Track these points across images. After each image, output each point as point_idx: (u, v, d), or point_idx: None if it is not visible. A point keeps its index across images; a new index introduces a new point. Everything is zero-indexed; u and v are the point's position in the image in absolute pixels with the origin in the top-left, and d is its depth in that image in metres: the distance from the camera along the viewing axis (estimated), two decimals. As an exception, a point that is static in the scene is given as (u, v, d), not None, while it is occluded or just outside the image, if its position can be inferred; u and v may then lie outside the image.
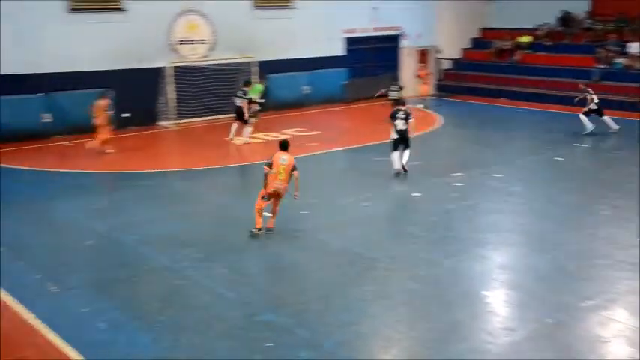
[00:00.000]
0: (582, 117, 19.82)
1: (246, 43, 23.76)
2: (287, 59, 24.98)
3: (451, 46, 30.29)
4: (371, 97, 27.37)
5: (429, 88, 26.80)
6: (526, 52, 28.66)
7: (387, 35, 28.51)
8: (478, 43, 31.11)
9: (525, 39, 28.90)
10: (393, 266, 10.10)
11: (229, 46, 23.46)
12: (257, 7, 24.33)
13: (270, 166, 11.22)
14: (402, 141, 15.52)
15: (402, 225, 12.08)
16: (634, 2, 25.95)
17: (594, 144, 18.55)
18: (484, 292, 9.19)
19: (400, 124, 15.50)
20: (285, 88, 24.78)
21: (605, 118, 19.85)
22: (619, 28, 26.54)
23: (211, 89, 22.83)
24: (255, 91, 22.02)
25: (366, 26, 27.70)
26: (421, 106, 25.47)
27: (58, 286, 9.40)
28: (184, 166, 17.17)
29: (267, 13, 24.59)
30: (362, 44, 27.73)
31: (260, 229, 11.31)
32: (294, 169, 11.25)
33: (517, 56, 28.69)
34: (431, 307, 8.74)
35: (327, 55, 26.40)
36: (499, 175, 15.33)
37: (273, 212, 11.52)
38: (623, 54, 25.33)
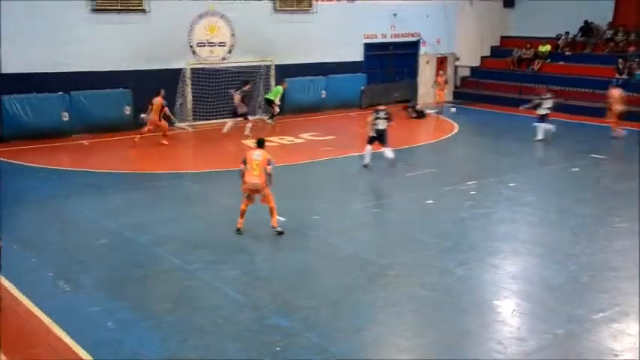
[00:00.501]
0: (537, 123, 20.28)
1: (264, 46, 23.82)
2: (305, 63, 24.99)
3: (470, 54, 30.19)
4: (387, 103, 27.38)
5: (444, 95, 26.59)
6: (546, 61, 28.50)
7: (406, 41, 28.47)
8: (497, 52, 30.99)
9: (545, 48, 28.75)
10: (403, 273, 10.07)
11: (248, 49, 23.53)
12: (277, 10, 24.38)
13: (245, 163, 11.45)
14: (379, 138, 16.63)
15: (413, 232, 12.03)
16: (657, 13, 25.77)
17: (611, 155, 18.38)
18: (495, 302, 9.14)
19: (381, 124, 16.57)
20: (302, 92, 24.82)
21: (544, 125, 20.24)
22: (640, 39, 26.36)
23: (228, 92, 22.87)
24: (276, 93, 22.21)
25: (385, 32, 27.70)
26: (433, 111, 25.43)
27: (69, 285, 9.46)
28: (199, 168, 17.24)
29: (287, 17, 24.63)
30: (380, 50, 27.71)
31: (239, 230, 11.50)
32: (269, 164, 11.36)
33: (536, 65, 28.54)
34: (441, 316, 8.70)
35: (346, 60, 26.40)
36: (513, 184, 15.25)
37: (270, 210, 11.55)
38: (645, 65, 25.13)
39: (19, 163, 16.97)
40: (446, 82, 26.90)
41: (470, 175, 16.00)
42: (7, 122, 19.55)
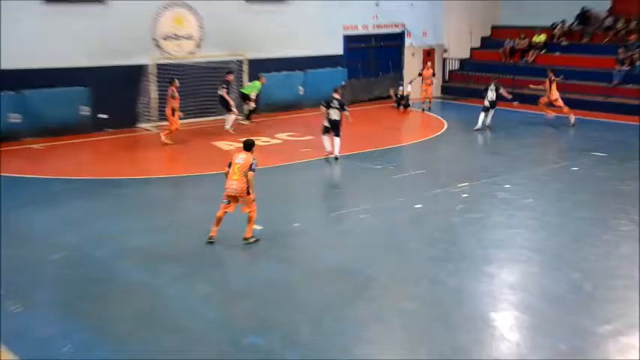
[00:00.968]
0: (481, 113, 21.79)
1: (236, 39, 23.71)
2: (281, 57, 24.97)
3: (459, 45, 30.37)
4: (370, 100, 27.49)
5: (432, 90, 26.61)
6: (541, 52, 28.70)
7: (390, 33, 28.58)
8: (488, 42, 31.19)
9: (540, 38, 28.95)
10: (391, 285, 10.00)
11: (218, 42, 23.41)
12: (249, 0, 24.30)
13: (230, 166, 11.47)
14: (333, 129, 17.48)
15: (401, 239, 11.98)
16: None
17: (613, 152, 18.49)
18: (491, 315, 9.10)
19: (333, 113, 17.27)
20: (278, 88, 24.75)
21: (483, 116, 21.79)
22: (642, 28, 26.63)
23: (197, 89, 22.75)
24: (253, 88, 22.16)
25: (366, 22, 27.74)
26: (423, 108, 25.52)
27: (21, 305, 9.26)
28: (166, 173, 17.11)
29: (261, 7, 24.58)
30: (362, 42, 27.78)
31: (211, 239, 11.41)
32: (250, 169, 11.32)
33: (531, 57, 28.73)
34: (432, 331, 8.63)
35: (325, 53, 26.44)
36: (509, 186, 15.27)
37: (248, 218, 11.48)
38: (646, 55, 25.38)
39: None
40: (433, 74, 26.81)
41: (461, 177, 16.00)
42: (-52, 126, 19.30)
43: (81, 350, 8.10)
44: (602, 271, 10.52)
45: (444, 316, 8.98)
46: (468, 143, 21.01)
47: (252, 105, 21.89)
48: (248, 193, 11.39)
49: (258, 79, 22.51)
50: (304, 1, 25.54)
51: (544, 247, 11.65)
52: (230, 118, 21.56)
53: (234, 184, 11.35)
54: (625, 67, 25.45)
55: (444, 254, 11.21)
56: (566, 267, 10.63)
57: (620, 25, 27.52)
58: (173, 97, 19.60)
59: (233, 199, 11.43)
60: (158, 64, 22.21)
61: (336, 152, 17.74)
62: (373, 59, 28.33)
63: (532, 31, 29.14)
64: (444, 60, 30.32)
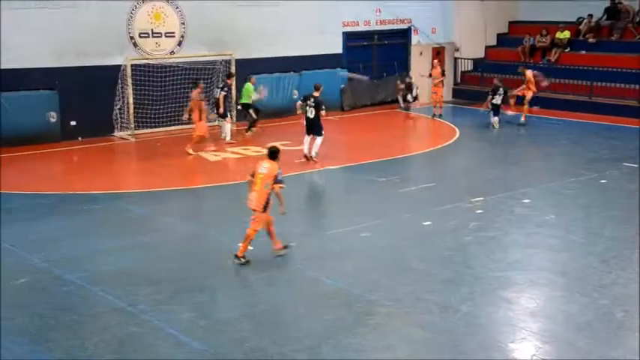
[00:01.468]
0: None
1: (223, 37, 23.86)
2: (273, 57, 25.11)
3: (472, 44, 30.51)
4: (373, 105, 27.60)
5: (442, 93, 26.63)
6: (564, 50, 28.86)
7: (395, 29, 28.73)
8: (505, 40, 31.36)
9: (564, 34, 29.11)
10: (397, 311, 10.06)
11: (202, 40, 23.56)
12: (236, -7, 24.50)
13: (253, 175, 11.63)
14: (312, 128, 18.58)
15: (408, 260, 12.04)
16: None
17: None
18: (510, 345, 9.15)
19: (309, 112, 18.44)
20: (269, 91, 24.82)
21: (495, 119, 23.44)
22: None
23: (179, 93, 22.86)
24: (247, 93, 22.24)
25: (368, 18, 27.90)
26: (434, 114, 25.59)
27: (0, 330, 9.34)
28: (143, 187, 17.15)
29: (250, 1, 24.69)
30: (364, 40, 27.93)
31: (240, 258, 11.54)
32: (276, 181, 11.42)
33: (553, 55, 28.89)
34: (444, 363, 8.71)
35: (322, 52, 26.56)
36: (528, 201, 15.38)
37: (269, 234, 11.76)
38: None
39: None
40: (443, 73, 26.69)
41: (475, 190, 16.09)
42: None
43: (50, 385, 8.17)
44: (634, 296, 10.55)
45: (456, 346, 9.04)
46: (483, 153, 21.12)
47: (253, 116, 22.05)
48: (264, 210, 11.50)
49: (246, 80, 22.63)
50: (298, -5, 25.73)
51: (568, 269, 11.72)
52: (227, 127, 21.66)
53: (253, 195, 11.56)
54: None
55: (456, 277, 11.27)
56: (593, 291, 10.69)
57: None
58: (199, 99, 20.05)
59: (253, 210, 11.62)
60: (134, 65, 22.31)
61: (313, 152, 18.66)
62: (376, 59, 28.48)
63: (554, 26, 29.30)
64: (456, 60, 30.48)
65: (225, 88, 21.81)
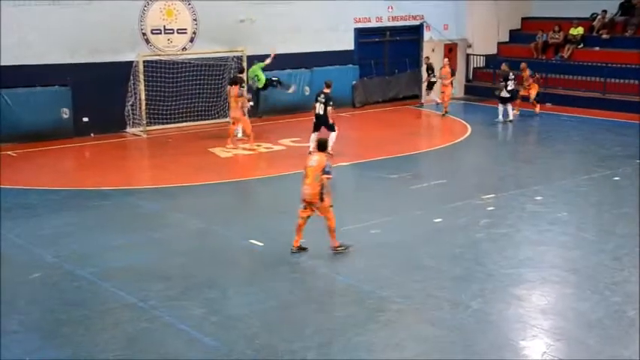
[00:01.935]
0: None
1: (234, 33, 23.89)
2: (284, 53, 25.03)
3: (484, 40, 30.44)
4: (384, 101, 27.56)
5: (450, 93, 26.09)
6: (578, 46, 28.74)
7: (407, 25, 28.70)
8: (518, 36, 31.26)
9: (577, 31, 28.99)
10: (407, 308, 10.05)
11: (214, 37, 23.59)
12: (249, -11, 24.51)
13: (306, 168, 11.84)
14: (321, 124, 18.64)
15: (419, 257, 12.03)
16: None
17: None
18: (521, 343, 9.14)
19: (318, 108, 18.56)
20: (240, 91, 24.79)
21: (507, 108, 23.73)
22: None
23: (191, 89, 22.93)
24: (255, 74, 22.31)
25: (380, 14, 27.86)
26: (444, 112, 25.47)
27: (0, 329, 9.40)
28: (155, 183, 17.21)
29: (261, -2, 24.74)
30: (376, 36, 27.89)
31: (296, 248, 11.84)
32: (324, 172, 11.61)
33: (566, 52, 28.78)
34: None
35: (333, 48, 26.57)
36: (540, 198, 15.34)
37: (327, 228, 11.88)
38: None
39: None
40: (453, 73, 26.33)
41: (486, 187, 16.07)
42: None
43: (61, 380, 8.22)
44: (647, 293, 10.56)
45: (467, 344, 9.03)
46: (495, 150, 21.08)
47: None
48: (322, 200, 11.67)
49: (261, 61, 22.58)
50: (309, -9, 25.73)
51: (580, 266, 11.69)
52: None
53: (307, 188, 11.72)
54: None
55: (467, 274, 11.26)
56: (604, 289, 10.65)
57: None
58: (241, 95, 20.18)
59: (309, 204, 11.79)
60: (147, 61, 22.38)
61: (328, 148, 18.25)
62: (388, 55, 28.45)
63: (568, 23, 29.19)
64: (468, 56, 30.40)
65: (242, 84, 21.67)
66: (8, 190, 16.13)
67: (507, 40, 31.34)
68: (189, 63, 23.00)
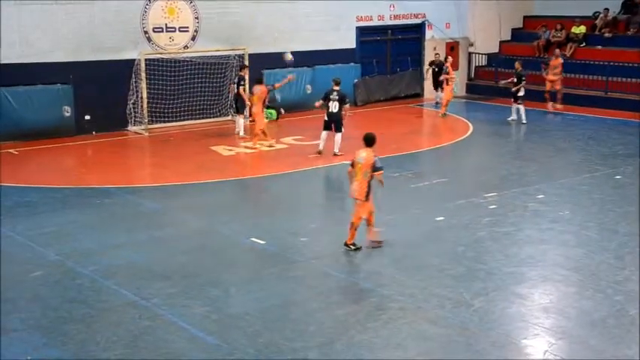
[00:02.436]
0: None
1: (236, 31, 23.90)
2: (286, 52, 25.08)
3: (486, 38, 30.44)
4: (386, 100, 27.53)
5: (450, 92, 25.61)
6: (580, 45, 28.71)
7: (408, 24, 28.68)
8: (520, 35, 31.26)
9: (579, 29, 28.98)
10: (409, 306, 10.05)
11: (216, 35, 23.59)
12: (250, -12, 24.50)
13: (353, 165, 11.84)
14: (333, 123, 18.38)
15: (421, 255, 12.04)
16: None
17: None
18: (523, 341, 9.14)
19: (332, 106, 18.16)
20: (283, 86, 24.83)
21: (521, 108, 23.28)
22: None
23: (193, 88, 22.95)
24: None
25: (382, 13, 27.85)
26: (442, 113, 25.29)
27: (0, 329, 9.40)
28: (156, 181, 17.21)
29: (263, -5, 24.73)
30: (377, 35, 27.88)
31: (350, 245, 11.86)
32: (374, 169, 11.64)
33: (568, 50, 28.75)
34: (456, 359, 8.67)
35: (335, 47, 26.55)
36: (542, 196, 15.34)
37: (367, 222, 11.91)
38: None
39: None
40: (446, 72, 25.59)
41: (488, 186, 16.08)
42: None
43: (63, 378, 8.22)
44: (649, 292, 10.55)
45: (468, 342, 9.02)
46: (497, 148, 21.06)
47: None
48: (367, 198, 11.72)
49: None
50: (311, -10, 25.72)
51: (582, 265, 11.68)
52: (241, 122, 21.73)
53: (354, 185, 11.77)
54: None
55: (469, 272, 11.25)
56: (607, 288, 10.64)
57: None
58: (262, 95, 20.27)
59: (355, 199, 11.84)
60: (148, 60, 22.39)
61: (336, 149, 18.55)
62: (390, 54, 28.44)
63: (570, 21, 29.18)
64: (470, 55, 30.39)
65: (242, 82, 21.70)
66: (10, 188, 16.13)
67: (509, 38, 31.34)
68: (191, 61, 23.01)
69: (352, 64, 27.12)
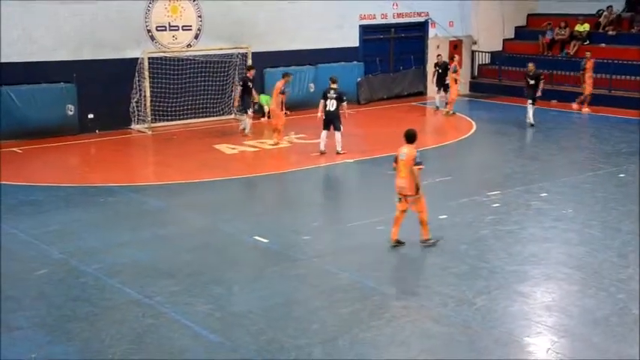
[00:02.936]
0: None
1: (239, 30, 23.93)
2: (289, 50, 25.14)
3: (490, 37, 30.41)
4: (389, 98, 27.51)
5: (457, 89, 25.75)
6: (584, 43, 28.66)
7: (412, 22, 28.67)
8: (523, 33, 31.22)
9: (583, 27, 28.92)
10: (412, 304, 10.09)
11: (219, 33, 23.62)
12: (253, -14, 24.52)
13: (396, 161, 11.93)
14: (331, 122, 18.26)
15: (424, 254, 12.07)
16: None
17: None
18: (525, 339, 9.16)
19: (330, 105, 18.06)
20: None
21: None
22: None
23: (196, 86, 22.98)
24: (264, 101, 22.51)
25: (385, 11, 27.85)
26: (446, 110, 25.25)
27: (0, 327, 9.42)
28: (160, 180, 17.24)
29: (266, -6, 24.74)
30: (380, 33, 27.89)
31: (394, 242, 11.95)
32: (415, 163, 11.72)
33: (572, 48, 28.71)
34: (459, 357, 8.71)
35: (338, 45, 26.57)
36: (545, 195, 15.35)
37: (420, 220, 12.01)
38: None
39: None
40: (454, 71, 25.49)
41: (491, 184, 16.09)
42: None
43: (67, 376, 8.26)
44: (651, 290, 10.56)
45: (472, 341, 9.05)
46: (500, 147, 21.06)
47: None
48: (418, 191, 11.81)
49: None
50: (315, -13, 25.72)
51: (585, 263, 11.69)
52: (247, 121, 21.70)
53: (401, 182, 11.85)
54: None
55: (472, 271, 11.28)
56: (610, 286, 10.66)
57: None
58: (283, 92, 20.26)
59: (404, 197, 11.91)
60: (151, 58, 22.42)
61: (338, 147, 18.50)
62: (393, 52, 28.44)
63: (574, 19, 29.14)
64: (473, 53, 30.37)
65: (249, 83, 21.51)
66: (14, 186, 16.18)
67: (513, 36, 31.30)
68: (194, 60, 23.05)
69: (355, 62, 27.13)
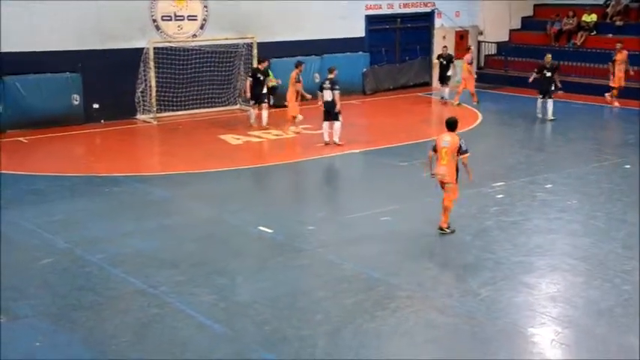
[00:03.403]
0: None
1: (244, 20, 23.89)
2: (294, 40, 25.09)
3: (496, 27, 30.32)
4: (395, 89, 27.46)
5: (473, 81, 25.42)
6: (591, 33, 28.56)
7: (418, 12, 28.60)
8: (530, 23, 31.12)
9: (590, 17, 28.81)
10: (417, 295, 10.09)
11: (224, 23, 23.59)
12: (259, -25, 24.47)
13: (435, 149, 11.98)
14: (329, 112, 18.25)
15: (429, 245, 12.06)
16: None
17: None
18: (530, 330, 9.16)
19: (326, 95, 18.07)
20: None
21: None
22: None
23: (201, 76, 22.97)
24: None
25: (391, 1, 27.78)
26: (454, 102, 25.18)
27: (4, 315, 9.44)
28: (165, 170, 17.25)
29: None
30: (386, 23, 27.82)
31: (445, 229, 12.14)
32: (460, 151, 11.81)
33: (579, 39, 28.61)
34: (463, 347, 8.72)
35: (344, 36, 26.52)
36: (551, 186, 15.33)
37: (444, 207, 12.11)
38: None
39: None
40: (470, 62, 25.47)
41: (496, 175, 16.06)
42: None
43: (72, 365, 8.28)
44: (656, 282, 10.54)
45: (476, 331, 9.06)
46: (505, 138, 21.03)
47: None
48: (456, 180, 11.93)
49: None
50: (321, -23, 25.65)
51: (590, 254, 11.68)
52: (253, 112, 21.56)
53: (442, 169, 11.95)
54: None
55: (477, 261, 11.28)
56: (614, 277, 10.64)
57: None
58: (298, 80, 20.30)
59: (440, 183, 12.05)
60: (157, 48, 22.42)
61: (335, 138, 18.47)
62: (399, 43, 28.39)
63: (581, 9, 29.03)
64: (480, 43, 30.28)
65: (258, 74, 21.17)
66: (19, 176, 16.22)
67: (519, 27, 31.22)
68: (200, 50, 23.03)
69: (361, 52, 27.10)
